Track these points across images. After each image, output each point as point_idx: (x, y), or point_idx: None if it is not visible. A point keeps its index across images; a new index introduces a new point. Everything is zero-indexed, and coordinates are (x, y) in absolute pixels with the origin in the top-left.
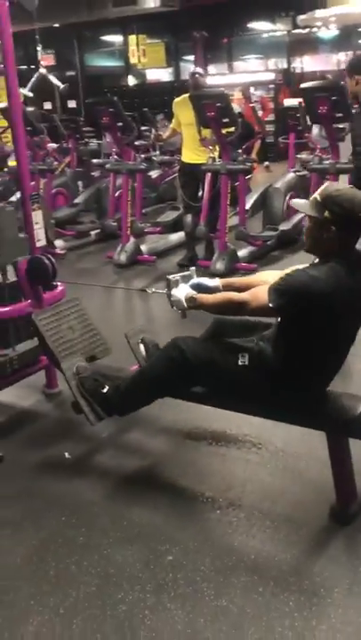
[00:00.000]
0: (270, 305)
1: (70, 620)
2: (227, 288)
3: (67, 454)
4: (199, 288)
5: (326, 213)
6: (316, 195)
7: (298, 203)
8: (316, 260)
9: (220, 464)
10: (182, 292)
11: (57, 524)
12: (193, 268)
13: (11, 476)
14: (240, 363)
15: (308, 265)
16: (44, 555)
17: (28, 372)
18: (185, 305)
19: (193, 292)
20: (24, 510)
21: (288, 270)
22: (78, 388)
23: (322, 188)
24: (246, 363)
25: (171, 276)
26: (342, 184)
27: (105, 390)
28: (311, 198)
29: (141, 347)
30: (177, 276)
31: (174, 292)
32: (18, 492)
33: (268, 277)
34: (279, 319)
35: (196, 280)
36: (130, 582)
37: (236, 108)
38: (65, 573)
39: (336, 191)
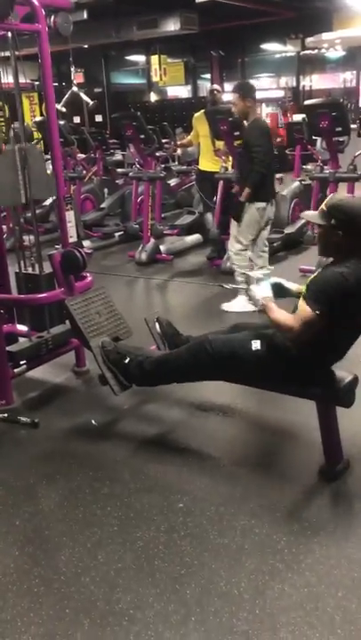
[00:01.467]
0: (316, 312)
1: (96, 552)
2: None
3: (93, 422)
4: (278, 288)
5: (332, 221)
6: (323, 205)
7: (308, 214)
8: (329, 260)
9: (225, 430)
10: (260, 291)
11: (84, 478)
12: (271, 267)
13: (45, 439)
14: (253, 348)
15: (327, 266)
16: (73, 501)
17: (60, 352)
18: (259, 304)
19: (269, 297)
20: (57, 466)
21: (308, 280)
22: (103, 360)
23: (328, 199)
24: (259, 348)
25: (252, 273)
26: (344, 194)
27: (127, 361)
28: (319, 209)
29: (157, 325)
30: (258, 274)
31: (253, 288)
32: (52, 452)
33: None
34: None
35: (276, 280)
36: (146, 524)
37: None
38: (91, 516)
39: (340, 200)
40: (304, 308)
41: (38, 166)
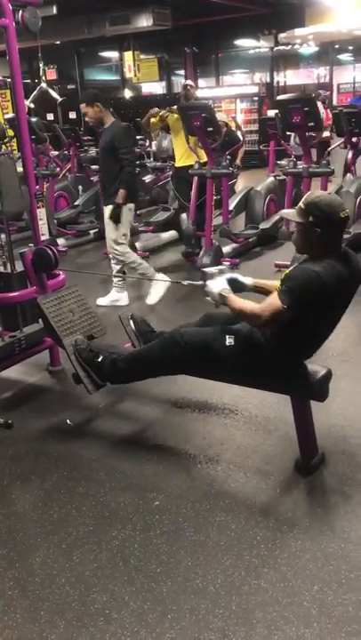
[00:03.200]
0: (285, 306)
1: (71, 553)
2: (258, 287)
3: (68, 421)
4: (233, 283)
5: (310, 218)
6: (301, 203)
7: (287, 212)
8: (304, 257)
9: (201, 427)
10: (218, 285)
11: (59, 478)
12: (227, 263)
13: (19, 440)
14: (227, 343)
15: (303, 262)
16: (48, 502)
17: (33, 351)
18: (217, 298)
19: (227, 289)
20: (31, 467)
21: (283, 275)
22: (77, 359)
23: (305, 196)
24: (233, 343)
25: (207, 269)
26: (321, 191)
27: (100, 359)
28: (297, 207)
29: (131, 322)
30: (213, 270)
31: (210, 283)
32: (26, 452)
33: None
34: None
35: (230, 275)
36: (122, 523)
37: (224, 117)
38: (66, 516)
39: (316, 197)
40: (275, 300)
41: (10, 179)
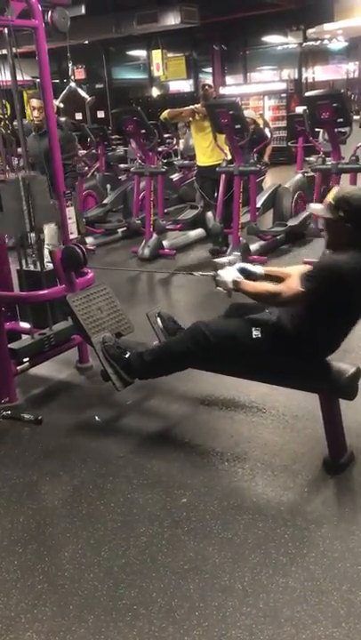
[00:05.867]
0: (303, 289)
1: (99, 548)
2: (268, 275)
3: (97, 417)
4: (244, 272)
5: (341, 213)
6: (330, 199)
7: (315, 208)
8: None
9: (228, 425)
10: (229, 274)
11: (88, 474)
12: (237, 253)
13: (49, 436)
14: (254, 336)
15: (331, 254)
16: (77, 497)
17: (62, 348)
18: (230, 286)
19: (239, 276)
20: (60, 463)
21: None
22: (105, 356)
23: (333, 191)
24: (260, 335)
25: (218, 259)
26: (351, 186)
27: (127, 356)
28: (325, 202)
29: (159, 320)
30: (224, 260)
31: (221, 272)
32: (55, 448)
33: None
34: (313, 303)
35: (241, 264)
36: (150, 519)
37: (252, 114)
38: (95, 512)
39: (347, 193)
40: (296, 282)
41: (42, 194)
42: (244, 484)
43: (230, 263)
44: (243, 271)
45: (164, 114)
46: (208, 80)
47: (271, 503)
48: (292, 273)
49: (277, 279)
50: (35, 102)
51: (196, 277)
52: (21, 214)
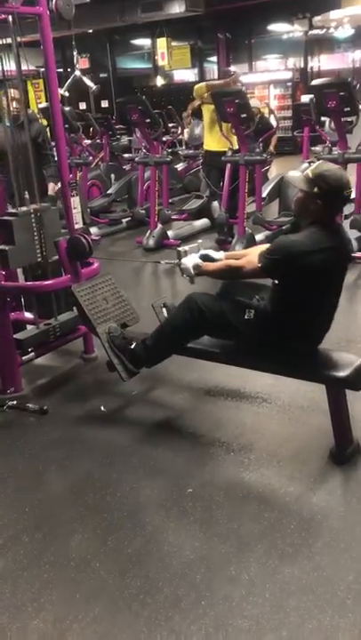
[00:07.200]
0: (259, 265)
1: (105, 538)
2: (229, 259)
3: (102, 408)
4: (206, 259)
5: (316, 189)
6: (309, 171)
7: (292, 176)
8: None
9: (234, 416)
10: (191, 260)
11: (94, 463)
12: (200, 240)
13: (54, 426)
14: (246, 317)
15: (288, 233)
16: (83, 487)
17: (68, 338)
18: (192, 272)
19: (200, 261)
20: (66, 452)
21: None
22: (110, 346)
23: (314, 165)
24: (252, 317)
25: (180, 248)
26: (331, 164)
27: (133, 346)
28: (304, 174)
29: (164, 310)
30: (186, 248)
31: (184, 260)
32: (60, 438)
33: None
34: (275, 280)
35: (203, 251)
36: (156, 509)
37: (257, 103)
38: (101, 502)
39: (326, 170)
40: (255, 258)
41: (53, 226)
42: (250, 475)
43: (193, 250)
44: (205, 257)
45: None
46: (213, 68)
47: (277, 493)
48: (253, 251)
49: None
50: (13, 93)
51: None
52: (32, 246)
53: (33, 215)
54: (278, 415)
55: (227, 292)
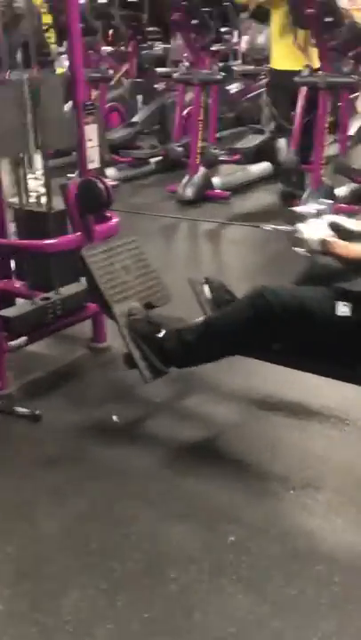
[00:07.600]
0: None
1: (114, 596)
2: None
3: (115, 417)
4: (335, 228)
5: None
6: None
7: None
8: None
9: (296, 439)
10: (315, 230)
11: (101, 493)
12: (330, 201)
13: (51, 439)
14: (339, 313)
15: None
16: (85, 525)
17: (72, 320)
18: (316, 247)
19: (330, 234)
20: (65, 476)
21: None
22: (130, 334)
23: None
24: (348, 313)
25: (299, 208)
26: None
27: (161, 335)
28: None
29: (205, 288)
30: (308, 210)
31: (303, 228)
32: (57, 456)
33: None
34: None
35: (332, 218)
36: (184, 561)
37: (346, 4)
38: (110, 546)
39: None
40: None
41: (54, 104)
42: (317, 522)
43: (317, 214)
44: (334, 227)
45: None
46: None
47: (353, 551)
48: None
49: None
50: None
51: (263, 232)
52: (22, 130)
53: (26, 86)
54: (358, 442)
55: (314, 277)
